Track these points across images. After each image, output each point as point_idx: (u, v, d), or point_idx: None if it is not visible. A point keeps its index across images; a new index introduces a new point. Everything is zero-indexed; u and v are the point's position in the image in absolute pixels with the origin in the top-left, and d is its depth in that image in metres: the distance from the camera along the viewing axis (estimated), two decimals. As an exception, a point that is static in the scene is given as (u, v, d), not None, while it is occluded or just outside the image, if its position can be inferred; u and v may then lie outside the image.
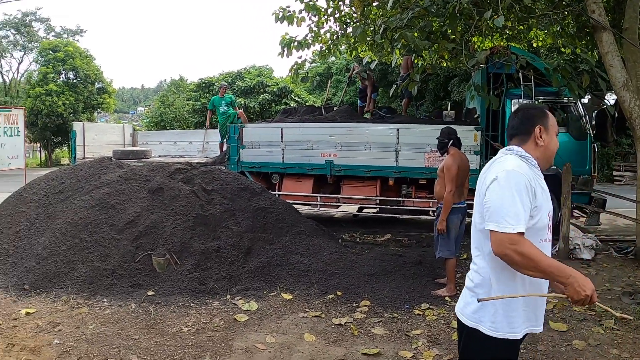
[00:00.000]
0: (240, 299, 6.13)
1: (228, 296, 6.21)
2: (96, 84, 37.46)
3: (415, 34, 7.77)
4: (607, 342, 5.17)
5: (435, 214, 6.80)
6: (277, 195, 10.07)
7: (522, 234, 2.31)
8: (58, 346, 4.77)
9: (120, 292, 6.21)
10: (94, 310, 5.71)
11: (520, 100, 10.44)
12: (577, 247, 8.88)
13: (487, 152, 10.28)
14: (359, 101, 13.34)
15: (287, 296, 6.23)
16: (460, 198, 6.44)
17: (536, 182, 2.43)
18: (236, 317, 5.57)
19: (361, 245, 8.74)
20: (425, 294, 6.41)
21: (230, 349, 4.81)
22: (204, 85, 31.22)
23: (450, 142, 6.56)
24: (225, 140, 12.72)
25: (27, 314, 5.59)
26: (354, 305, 6.03)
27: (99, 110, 40.06)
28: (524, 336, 2.56)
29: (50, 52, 35.25)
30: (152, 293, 6.19)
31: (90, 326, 5.26)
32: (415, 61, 12.36)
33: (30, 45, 40.61)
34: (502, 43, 11.72)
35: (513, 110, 10.15)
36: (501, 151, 2.62)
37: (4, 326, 5.26)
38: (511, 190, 2.34)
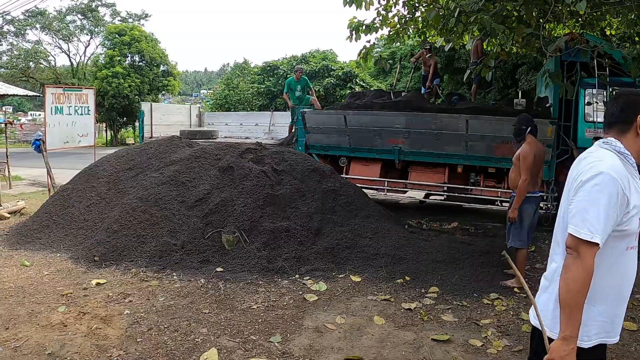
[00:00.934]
0: (309, 279, 6.18)
1: (297, 276, 6.27)
2: (161, 66, 38.22)
3: (492, 20, 7.58)
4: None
5: (509, 203, 6.61)
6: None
7: (596, 245, 2.13)
8: (129, 316, 4.92)
9: (189, 267, 6.35)
10: (164, 283, 5.86)
11: (594, 91, 10.10)
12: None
13: (559, 143, 9.98)
14: (422, 88, 13.16)
15: (355, 278, 6.25)
16: (534, 187, 6.28)
17: (631, 187, 2.22)
18: (305, 297, 5.62)
19: (428, 231, 8.64)
20: (494, 284, 6.30)
21: (300, 328, 4.86)
22: (268, 68, 31.36)
23: (528, 129, 6.40)
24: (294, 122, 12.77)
25: (98, 284, 5.78)
26: (423, 291, 6.00)
27: (163, 92, 40.90)
28: (598, 347, 2.33)
29: (117, 35, 36.07)
30: (221, 269, 6.31)
31: (160, 299, 5.41)
32: (486, 47, 12.09)
33: (96, 29, 41.55)
34: (575, 30, 11.32)
35: (614, 97, 9.87)
36: (597, 143, 2.41)
37: (74, 295, 5.45)
38: (600, 198, 2.15)
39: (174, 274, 6.15)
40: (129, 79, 34.37)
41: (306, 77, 13.59)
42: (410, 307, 5.45)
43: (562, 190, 8.14)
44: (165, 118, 14.83)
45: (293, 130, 12.08)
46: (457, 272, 6.59)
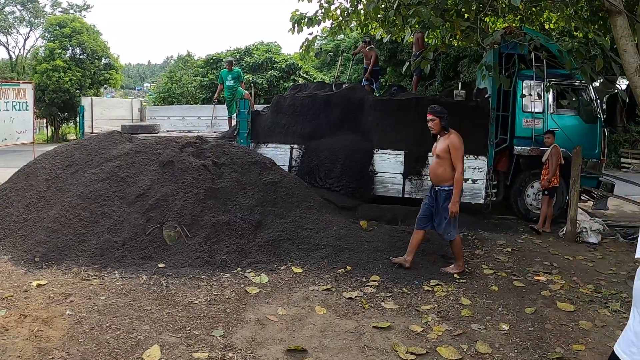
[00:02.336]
0: (250, 271, 6.18)
1: (239, 269, 6.25)
2: (103, 59, 37.25)
3: (431, 12, 7.71)
4: (613, 324, 5.22)
5: (430, 197, 6.56)
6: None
7: None
8: (70, 317, 4.82)
9: (131, 264, 6.26)
10: (105, 282, 5.76)
11: (531, 82, 10.41)
12: (584, 230, 8.91)
13: (497, 132, 10.26)
14: (363, 80, 13.28)
15: (297, 270, 6.28)
16: None
17: None
18: (247, 290, 5.62)
19: (370, 222, 8.75)
20: (434, 271, 6.46)
21: (242, 320, 4.87)
22: (211, 61, 31.05)
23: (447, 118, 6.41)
24: (235, 114, 12.70)
25: (39, 285, 5.63)
26: (364, 279, 6.08)
27: (105, 86, 39.95)
28: None
29: (57, 27, 34.99)
30: (163, 265, 6.24)
31: (102, 297, 5.31)
32: (427, 40, 12.30)
33: (36, 21, 40.34)
34: (515, 24, 11.64)
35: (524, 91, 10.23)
36: None
37: (15, 298, 5.29)
38: None
39: (116, 271, 6.04)
40: (69, 72, 33.34)
41: (239, 70, 13.55)
42: (351, 296, 5.52)
43: (500, 179, 8.47)
44: (107, 113, 14.47)
45: (234, 123, 11.99)
46: (398, 260, 6.70)
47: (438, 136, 6.49)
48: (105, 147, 8.44)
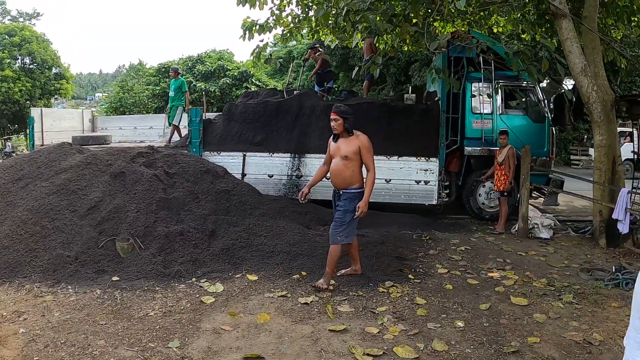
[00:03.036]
0: (205, 281, 6.13)
1: (193, 279, 6.19)
2: (53, 69, 36.46)
3: (378, 17, 7.82)
4: (566, 315, 5.38)
5: (342, 199, 6.03)
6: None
7: None
8: (24, 335, 4.68)
9: (84, 278, 6.10)
10: (59, 297, 5.61)
11: (480, 84, 10.64)
12: (535, 226, 9.13)
13: (448, 133, 10.44)
14: (315, 86, 13.35)
15: (252, 277, 6.25)
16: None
17: None
18: (202, 299, 5.57)
19: (323, 227, 8.78)
20: (388, 273, 6.52)
21: (198, 331, 4.82)
22: (163, 70, 30.70)
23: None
24: (174, 122, 12.63)
25: (-10, 304, 5.46)
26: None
27: (56, 96, 39.07)
28: None
29: (6, 36, 34.13)
30: (117, 278, 6.12)
31: (55, 314, 5.18)
32: (377, 45, 12.45)
33: (-16, 29, 39.27)
34: (463, 28, 11.89)
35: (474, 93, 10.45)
36: None
37: (-34, 318, 5.14)
38: None
39: (69, 287, 5.89)
40: (19, 83, 32.53)
41: (183, 80, 13.39)
42: (307, 301, 5.52)
43: (452, 179, 8.60)
44: (57, 124, 14.19)
45: (186, 132, 11.88)
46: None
47: (338, 137, 6.13)
48: (56, 160, 8.26)
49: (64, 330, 4.80)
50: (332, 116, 6.02)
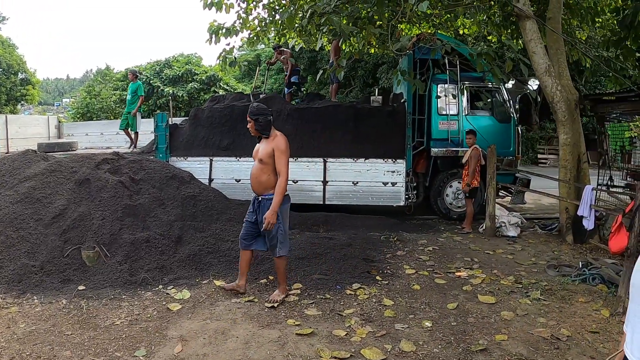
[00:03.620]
0: (172, 288, 6.06)
1: (160, 286, 6.13)
2: (19, 74, 35.88)
3: (343, 20, 7.85)
4: (534, 311, 5.46)
5: (251, 211, 5.81)
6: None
7: None
8: (-11, 348, 4.59)
9: (50, 288, 6.00)
10: (24, 308, 5.50)
11: (446, 85, 10.75)
12: (503, 225, 9.24)
13: (414, 135, 10.53)
14: (285, 89, 13.36)
15: (219, 283, 6.20)
16: None
17: None
18: (169, 307, 5.51)
19: (291, 230, 8.77)
20: (356, 275, 6.53)
21: (165, 338, 4.76)
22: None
23: (272, 119, 5.78)
24: (130, 129, 12.49)
25: (-47, 317, 5.33)
26: (287, 288, 6.05)
27: (22, 102, 38.42)
28: None
29: (-29, 41, 33.55)
30: (83, 287, 6.02)
31: (21, 325, 5.07)
32: (342, 47, 12.49)
33: (-52, 35, 38.41)
34: (429, 30, 12.01)
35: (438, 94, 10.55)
36: None
37: None
38: None
39: (35, 297, 5.77)
40: (-16, 88, 31.96)
41: (140, 83, 13.17)
42: (273, 305, 5.51)
43: (419, 180, 8.67)
44: (22, 130, 13.99)
45: (154, 138, 11.76)
46: (319, 266, 6.79)
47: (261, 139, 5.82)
48: (20, 167, 8.12)
49: (29, 341, 4.70)
50: (247, 118, 5.75)
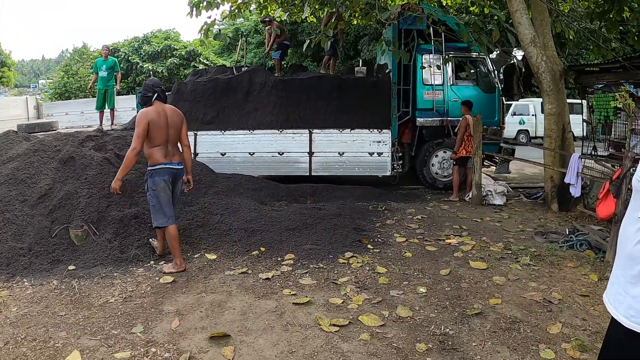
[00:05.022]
0: (164, 263, 6.02)
1: (152, 262, 6.08)
2: (-6, 57, 35.20)
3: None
4: (525, 276, 5.53)
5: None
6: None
7: None
8: (-18, 334, 4.53)
9: (39, 270, 5.89)
10: (15, 292, 5.40)
11: (431, 56, 10.72)
12: (489, 193, 9.31)
13: (399, 105, 10.52)
14: (273, 54, 13.17)
15: (211, 256, 6.19)
16: (167, 158, 5.75)
17: None
18: (162, 281, 5.48)
19: (279, 202, 8.77)
20: (347, 244, 6.55)
21: (161, 313, 4.73)
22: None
23: (155, 95, 5.82)
24: (108, 106, 12.33)
25: (-58, 303, 5.24)
26: (279, 259, 6.09)
27: (-2, 85, 37.77)
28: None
29: (-59, 24, 32.73)
30: (74, 267, 5.94)
31: (13, 309, 4.98)
32: (333, 21, 12.36)
33: None
34: (413, 0, 11.94)
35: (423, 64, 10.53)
36: None
37: None
38: None
39: (25, 280, 5.66)
40: (-43, 72, 31.29)
41: (115, 59, 12.96)
42: (268, 276, 5.51)
43: (405, 150, 8.69)
44: (1, 113, 13.71)
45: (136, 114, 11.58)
46: (310, 237, 6.78)
47: None
48: (2, 149, 7.94)
49: (23, 325, 4.62)
50: None
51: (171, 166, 5.77)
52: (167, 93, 12.26)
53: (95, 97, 13.04)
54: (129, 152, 5.56)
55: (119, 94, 13.33)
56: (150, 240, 6.37)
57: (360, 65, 12.80)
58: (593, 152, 10.13)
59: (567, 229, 7.20)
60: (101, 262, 6.04)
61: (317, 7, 9.43)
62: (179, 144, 5.99)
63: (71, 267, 5.94)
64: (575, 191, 7.94)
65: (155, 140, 5.64)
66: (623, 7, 9.55)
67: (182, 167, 5.94)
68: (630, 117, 9.09)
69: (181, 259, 5.86)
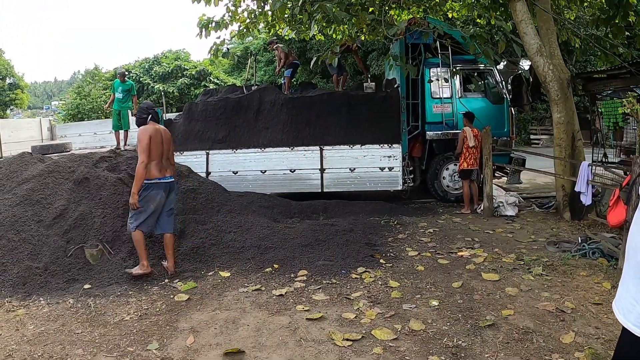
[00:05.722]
0: (178, 281, 6.09)
1: (166, 280, 6.16)
2: (7, 79, 35.58)
3: (335, 7, 7.85)
4: (537, 286, 5.53)
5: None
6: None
7: None
8: (0, 351, 4.59)
9: (55, 289, 5.99)
10: (31, 310, 5.49)
11: (439, 69, 10.78)
12: (500, 204, 9.31)
13: (409, 119, 10.57)
14: (282, 79, 13.37)
15: (225, 274, 6.25)
16: (161, 172, 6.20)
17: None
18: (177, 299, 5.54)
19: (291, 219, 8.82)
20: (359, 259, 6.58)
21: (176, 331, 4.79)
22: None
23: (149, 117, 6.35)
24: (124, 129, 12.47)
25: (-38, 322, 5.32)
26: (292, 275, 6.13)
27: (11, 107, 38.14)
28: None
29: (-43, 47, 33.29)
30: (89, 286, 6.03)
31: (30, 327, 5.06)
32: (334, 35, 12.49)
33: None
34: (419, 15, 12.02)
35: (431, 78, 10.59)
36: None
37: (-62, 338, 5.00)
38: None
39: (41, 298, 5.75)
40: (-28, 94, 31.73)
41: (132, 82, 13.20)
42: (281, 292, 5.55)
43: (416, 164, 8.71)
44: (15, 134, 13.89)
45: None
46: (323, 252, 6.83)
47: None
48: (17, 170, 8.08)
49: (40, 342, 4.70)
50: None
51: (165, 180, 6.25)
52: (178, 113, 12.52)
53: (107, 117, 13.21)
54: (138, 166, 5.97)
55: (133, 115, 13.46)
56: (162, 262, 6.49)
57: (369, 80, 12.88)
58: (604, 159, 10.10)
59: (579, 238, 7.20)
60: (116, 280, 6.13)
61: (324, 24, 9.52)
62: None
63: (87, 286, 6.02)
64: (586, 199, 7.93)
65: (152, 155, 6.07)
66: (628, 12, 9.56)
67: (173, 180, 6.41)
68: (638, 122, 9.07)
69: (147, 261, 6.20)
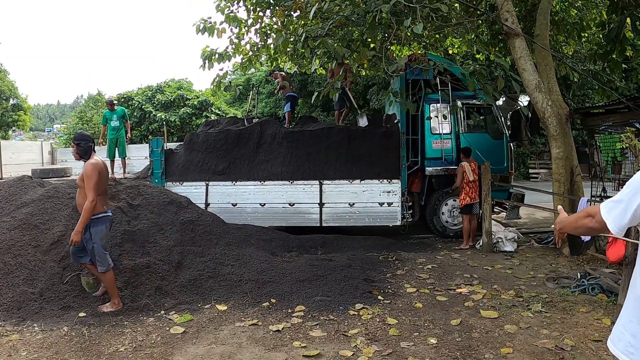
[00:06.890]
0: (174, 313, 6.05)
1: (162, 312, 6.11)
2: (11, 100, 35.70)
3: (336, 43, 7.96)
4: (537, 324, 5.51)
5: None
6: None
7: None
8: (-8, 377, 4.57)
9: (50, 315, 5.96)
10: (25, 336, 5.45)
11: (438, 105, 10.87)
12: (499, 240, 9.30)
13: (408, 155, 10.61)
14: (286, 106, 13.45)
15: (221, 307, 6.21)
16: (105, 206, 6.16)
17: None
18: (173, 332, 5.49)
19: (289, 254, 8.81)
20: (357, 295, 6.55)
21: (170, 364, 4.75)
22: (122, 99, 30.44)
23: (92, 145, 6.19)
24: (120, 156, 12.48)
25: (-46, 347, 5.27)
26: (289, 311, 6.09)
27: (13, 128, 38.23)
28: None
29: (-38, 66, 33.50)
30: (84, 314, 5.99)
31: (22, 353, 5.02)
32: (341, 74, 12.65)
33: (-62, 60, 38.43)
34: (419, 51, 12.17)
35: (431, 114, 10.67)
36: None
37: None
38: None
39: (35, 324, 5.72)
40: (-25, 114, 31.83)
41: (123, 108, 13.28)
42: (278, 328, 5.51)
43: (415, 200, 8.72)
44: (16, 157, 13.97)
45: (149, 163, 11.76)
46: (321, 288, 6.80)
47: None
48: (16, 193, 8.09)
49: (33, 370, 4.67)
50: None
51: (109, 214, 6.25)
52: (179, 143, 12.59)
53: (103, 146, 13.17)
54: (87, 205, 5.80)
55: (131, 142, 13.54)
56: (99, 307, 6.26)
57: (366, 115, 12.99)
58: (602, 193, 10.12)
59: (578, 274, 7.19)
60: (112, 310, 6.07)
61: (325, 59, 9.65)
62: None
63: (82, 314, 5.98)
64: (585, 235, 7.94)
65: (99, 190, 5.97)
66: (625, 47, 9.69)
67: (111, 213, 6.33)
68: (637, 157, 9.12)
69: (119, 298, 6.21)
